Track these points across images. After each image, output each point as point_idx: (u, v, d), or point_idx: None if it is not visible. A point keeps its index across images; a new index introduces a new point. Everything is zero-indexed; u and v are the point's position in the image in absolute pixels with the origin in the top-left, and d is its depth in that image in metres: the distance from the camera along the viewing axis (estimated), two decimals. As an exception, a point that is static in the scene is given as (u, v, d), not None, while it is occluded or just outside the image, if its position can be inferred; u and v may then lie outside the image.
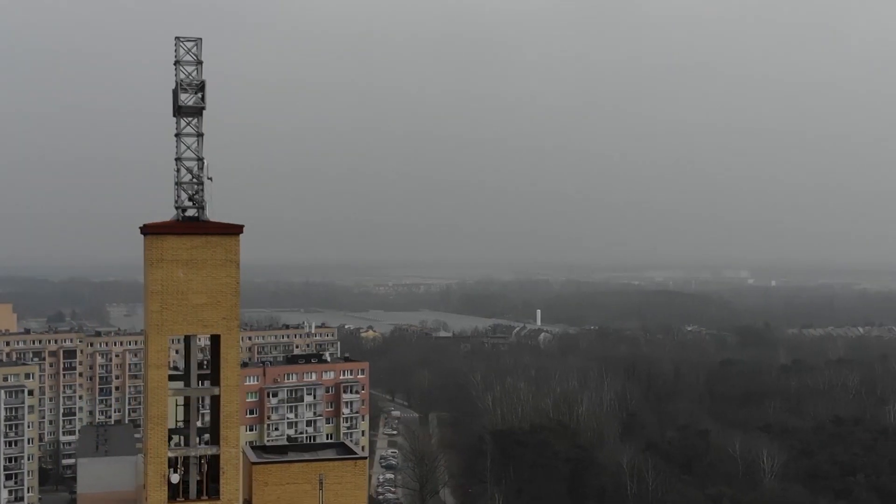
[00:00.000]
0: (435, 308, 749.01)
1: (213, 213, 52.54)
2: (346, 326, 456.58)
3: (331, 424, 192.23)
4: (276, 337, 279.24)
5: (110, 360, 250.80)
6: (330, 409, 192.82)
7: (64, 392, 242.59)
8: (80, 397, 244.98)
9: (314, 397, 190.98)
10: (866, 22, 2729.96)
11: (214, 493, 51.30)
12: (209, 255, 50.57)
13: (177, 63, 52.04)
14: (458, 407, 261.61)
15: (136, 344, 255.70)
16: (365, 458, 56.33)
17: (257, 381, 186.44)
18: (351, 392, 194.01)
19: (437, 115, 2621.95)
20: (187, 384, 54.27)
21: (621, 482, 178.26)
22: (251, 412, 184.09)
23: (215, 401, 53.35)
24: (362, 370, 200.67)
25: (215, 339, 53.10)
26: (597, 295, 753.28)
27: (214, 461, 52.39)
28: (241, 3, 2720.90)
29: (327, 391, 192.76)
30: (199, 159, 52.27)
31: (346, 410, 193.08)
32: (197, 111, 52.05)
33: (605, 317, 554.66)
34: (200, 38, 52.11)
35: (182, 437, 54.47)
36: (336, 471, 54.08)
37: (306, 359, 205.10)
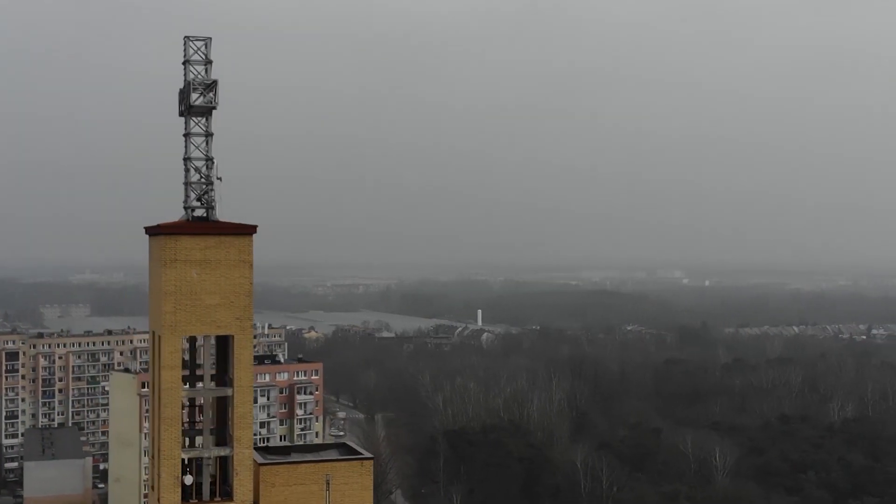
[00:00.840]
0: (375, 308, 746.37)
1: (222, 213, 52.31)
2: (288, 327, 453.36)
3: (285, 426, 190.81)
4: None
5: (53, 361, 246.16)
6: (284, 411, 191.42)
7: (6, 395, 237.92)
8: (23, 400, 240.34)
9: (268, 399, 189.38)
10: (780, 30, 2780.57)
11: (226, 494, 51.02)
12: (223, 255, 50.27)
13: (186, 63, 51.65)
14: (405, 407, 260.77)
15: (79, 346, 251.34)
16: (371, 458, 56.34)
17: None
18: (305, 393, 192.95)
19: (368, 117, 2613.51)
20: (192, 385, 53.94)
21: (575, 481, 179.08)
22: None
23: (223, 402, 53.08)
24: (316, 371, 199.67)
25: (222, 340, 52.85)
26: (536, 295, 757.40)
27: (222, 462, 52.14)
28: (240, 3, 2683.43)
29: (281, 392, 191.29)
30: (209, 159, 51.93)
31: (300, 412, 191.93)
32: (207, 111, 51.74)
33: (545, 317, 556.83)
34: (210, 38, 51.80)
35: (186, 438, 53.97)
36: (343, 471, 53.99)
37: (259, 360, 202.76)
